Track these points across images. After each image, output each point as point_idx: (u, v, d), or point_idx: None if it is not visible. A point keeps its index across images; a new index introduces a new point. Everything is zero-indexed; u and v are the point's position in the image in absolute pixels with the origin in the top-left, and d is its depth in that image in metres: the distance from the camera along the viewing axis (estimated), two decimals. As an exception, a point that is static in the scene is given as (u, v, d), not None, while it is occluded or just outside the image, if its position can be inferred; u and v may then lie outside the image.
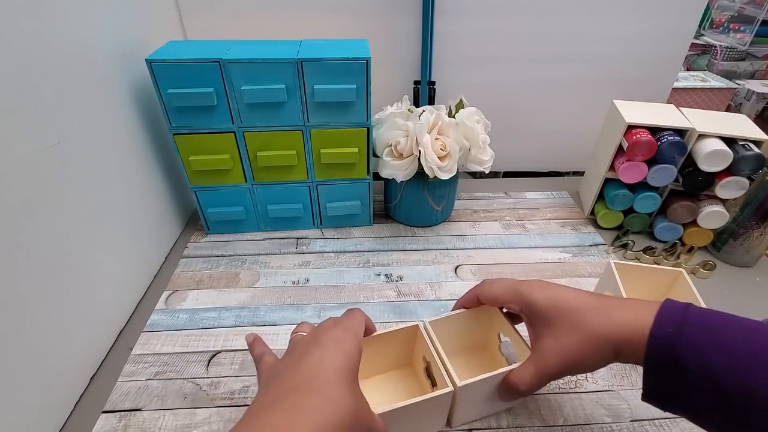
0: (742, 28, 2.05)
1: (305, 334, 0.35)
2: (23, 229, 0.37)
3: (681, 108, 0.64)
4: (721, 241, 0.63)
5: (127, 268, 0.54)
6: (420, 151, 0.57)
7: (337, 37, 0.63)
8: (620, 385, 0.46)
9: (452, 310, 0.44)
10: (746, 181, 0.58)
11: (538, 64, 0.78)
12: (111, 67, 0.51)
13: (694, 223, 0.63)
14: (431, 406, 0.37)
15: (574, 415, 0.43)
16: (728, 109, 1.80)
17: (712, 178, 0.59)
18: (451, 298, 0.46)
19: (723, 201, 0.61)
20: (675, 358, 0.29)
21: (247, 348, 0.48)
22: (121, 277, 0.52)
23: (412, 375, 0.45)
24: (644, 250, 0.63)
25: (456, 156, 0.58)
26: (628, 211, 0.67)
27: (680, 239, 0.65)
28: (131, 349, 0.49)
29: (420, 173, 0.60)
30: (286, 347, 0.36)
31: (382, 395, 0.43)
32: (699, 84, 1.73)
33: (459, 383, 0.36)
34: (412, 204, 0.66)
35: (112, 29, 0.52)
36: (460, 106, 0.64)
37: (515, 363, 0.38)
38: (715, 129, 0.58)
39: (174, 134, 0.56)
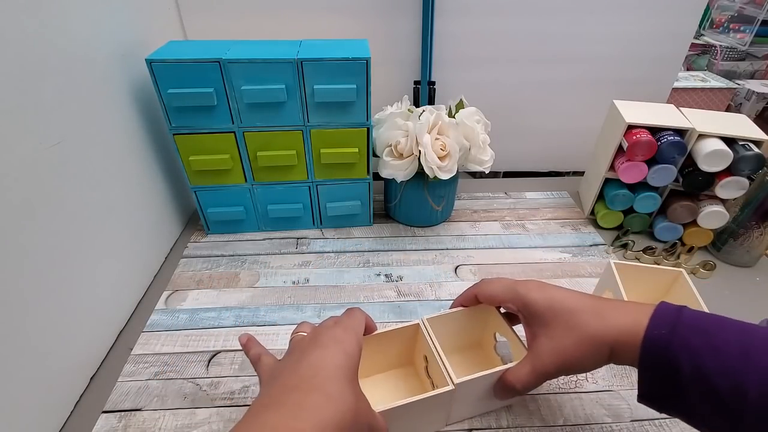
0: (742, 28, 2.05)
1: (305, 334, 0.35)
2: (23, 229, 0.37)
3: (681, 108, 0.64)
4: (721, 241, 0.63)
5: (127, 268, 0.54)
6: (420, 151, 0.57)
7: (337, 37, 0.63)
8: (620, 385, 0.46)
9: (450, 309, 0.44)
10: (746, 181, 0.58)
11: (538, 64, 0.78)
12: (111, 67, 0.51)
13: (694, 223, 0.63)
14: (431, 405, 0.37)
15: (574, 415, 0.43)
16: (728, 109, 1.80)
17: (712, 178, 0.59)
18: (451, 298, 0.46)
19: (723, 201, 0.61)
20: (669, 359, 0.29)
21: (246, 348, 0.48)
22: (121, 277, 0.52)
23: (413, 374, 0.46)
24: (644, 250, 0.63)
25: (456, 156, 0.58)
26: (628, 211, 0.67)
27: (680, 239, 0.65)
28: (131, 349, 0.49)
29: (420, 173, 0.60)
30: (286, 347, 0.36)
31: (383, 393, 0.44)
32: (699, 84, 1.73)
33: (457, 380, 0.36)
34: (412, 204, 0.66)
35: (112, 29, 0.52)
36: (460, 106, 0.64)
37: (511, 362, 0.38)
38: (715, 129, 0.58)
39: (174, 134, 0.56)
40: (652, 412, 0.33)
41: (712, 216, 0.61)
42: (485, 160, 0.62)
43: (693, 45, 1.97)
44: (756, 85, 1.90)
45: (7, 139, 0.36)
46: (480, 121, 0.62)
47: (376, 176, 0.64)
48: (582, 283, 0.58)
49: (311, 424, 0.26)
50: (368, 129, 0.59)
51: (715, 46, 2.04)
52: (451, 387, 0.36)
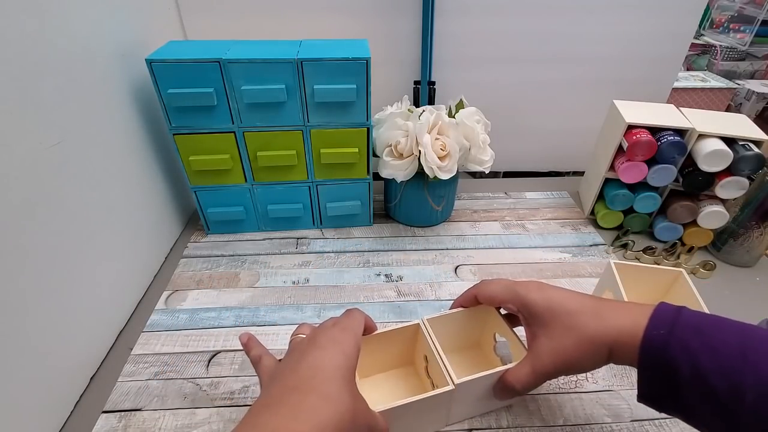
0: (742, 28, 2.05)
1: (305, 336, 0.35)
2: (23, 229, 0.37)
3: (681, 108, 0.64)
4: (721, 241, 0.63)
5: (127, 268, 0.54)
6: (420, 151, 0.57)
7: (337, 37, 0.63)
8: (620, 385, 0.46)
9: (450, 309, 0.44)
10: (746, 181, 0.58)
11: (538, 64, 0.78)
12: (111, 67, 0.51)
13: (694, 223, 0.63)
14: (431, 404, 0.37)
15: (574, 415, 0.43)
16: (728, 109, 1.80)
17: (712, 178, 0.59)
18: (451, 298, 0.46)
19: (723, 201, 0.61)
20: (667, 360, 0.29)
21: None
22: (121, 277, 0.52)
23: (413, 373, 0.46)
24: (644, 250, 0.63)
25: (456, 156, 0.58)
26: (628, 211, 0.67)
27: (680, 239, 0.65)
28: (131, 349, 0.49)
29: (420, 173, 0.60)
30: (286, 347, 0.36)
31: (383, 393, 0.44)
32: (699, 84, 1.73)
33: (457, 381, 0.36)
34: (412, 204, 0.66)
35: (112, 29, 0.52)
36: (460, 106, 0.64)
37: (511, 363, 0.38)
38: (715, 129, 0.58)
39: (174, 134, 0.56)
40: (652, 412, 0.33)
41: (712, 216, 0.61)
42: (485, 160, 0.62)
43: (693, 45, 1.97)
44: (756, 85, 1.90)
45: (7, 139, 0.36)
46: (480, 121, 0.62)
47: (376, 176, 0.64)
48: (582, 283, 0.58)
49: (310, 425, 0.26)
50: (368, 129, 0.59)
51: (715, 46, 2.04)
52: (451, 387, 0.36)
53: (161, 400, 0.43)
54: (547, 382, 0.38)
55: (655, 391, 0.31)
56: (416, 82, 0.78)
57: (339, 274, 0.59)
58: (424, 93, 0.77)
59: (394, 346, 0.43)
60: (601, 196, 0.69)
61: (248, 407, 0.42)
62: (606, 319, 0.33)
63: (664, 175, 0.61)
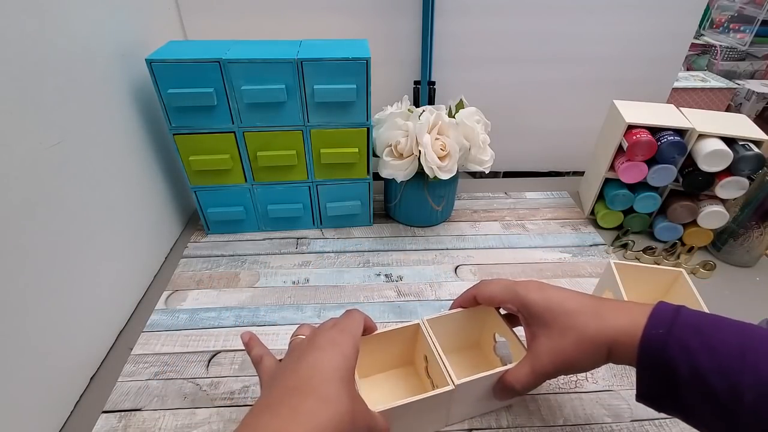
0: (742, 28, 2.05)
1: (304, 336, 0.35)
2: (23, 229, 0.37)
3: (681, 108, 0.64)
4: (721, 241, 0.63)
5: (127, 268, 0.54)
6: (420, 151, 0.57)
7: (337, 37, 0.63)
8: (620, 385, 0.46)
9: (449, 310, 0.44)
10: (746, 181, 0.58)
11: (538, 64, 0.78)
12: (111, 67, 0.51)
13: (694, 223, 0.63)
14: (431, 404, 0.37)
15: (574, 415, 0.43)
16: (728, 109, 1.80)
17: (712, 178, 0.59)
18: (451, 298, 0.46)
19: (723, 201, 0.61)
20: (666, 359, 0.29)
21: (246, 348, 0.48)
22: (121, 277, 0.52)
23: (413, 373, 0.46)
24: (644, 250, 0.63)
25: (456, 156, 0.58)
26: (628, 211, 0.67)
27: (680, 239, 0.65)
28: (131, 349, 0.49)
29: (420, 173, 0.60)
30: (285, 347, 0.36)
31: (383, 393, 0.44)
32: (699, 84, 1.73)
33: (457, 381, 0.36)
34: (412, 204, 0.66)
35: (112, 29, 0.52)
36: (460, 106, 0.64)
37: (510, 363, 0.38)
38: (715, 129, 0.58)
39: (174, 134, 0.56)
40: (652, 412, 0.33)
41: (712, 216, 0.61)
42: (485, 160, 0.62)
43: (693, 45, 1.97)
44: (756, 85, 1.90)
45: (7, 139, 0.36)
46: (480, 121, 0.62)
47: (376, 176, 0.64)
48: (582, 283, 0.58)
49: (309, 427, 0.27)
50: (368, 129, 0.59)
51: (715, 46, 2.04)
52: (451, 387, 0.36)
53: (161, 400, 0.43)
54: (547, 382, 0.38)
55: (653, 391, 0.31)
56: (416, 82, 0.78)
57: (339, 274, 0.59)
58: (424, 93, 0.77)
59: (394, 346, 0.43)
60: (601, 196, 0.69)
61: (248, 407, 0.43)
62: (605, 318, 0.33)
63: (664, 175, 0.61)
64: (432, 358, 0.39)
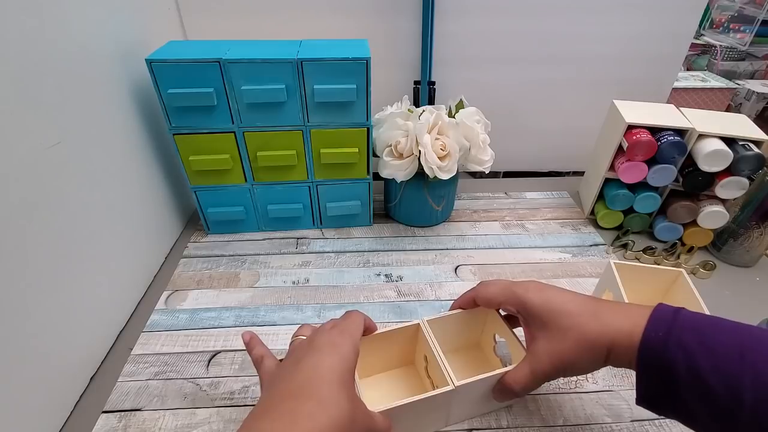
0: (742, 28, 2.05)
1: (304, 337, 0.35)
2: (23, 229, 0.37)
3: (681, 108, 0.64)
4: (721, 241, 0.63)
5: (127, 268, 0.54)
6: (420, 151, 0.57)
7: (337, 37, 0.63)
8: (620, 385, 0.46)
9: (449, 311, 0.44)
10: (746, 181, 0.58)
11: (538, 64, 0.78)
12: (111, 67, 0.51)
13: (694, 223, 0.63)
14: (431, 405, 0.37)
15: (574, 415, 0.43)
16: (728, 109, 1.80)
17: (712, 178, 0.59)
18: (451, 298, 0.46)
19: (723, 201, 0.61)
20: (665, 361, 0.29)
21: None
22: (121, 277, 0.52)
23: (413, 373, 0.46)
24: (644, 250, 0.63)
25: (456, 156, 0.58)
26: (628, 211, 0.67)
27: (680, 239, 0.65)
28: (131, 349, 0.49)
29: (420, 173, 0.60)
30: (286, 347, 0.36)
31: (383, 393, 0.44)
32: (699, 84, 1.73)
33: (457, 383, 0.36)
34: (412, 204, 0.66)
35: (112, 29, 0.52)
36: (460, 106, 0.64)
37: (510, 363, 0.38)
38: (715, 129, 0.58)
39: (174, 134, 0.56)
40: (652, 413, 0.33)
41: (712, 216, 0.61)
42: (485, 160, 0.62)
43: (693, 45, 1.97)
44: (756, 85, 1.90)
45: (7, 139, 0.36)
46: (480, 121, 0.62)
47: (376, 176, 0.64)
48: (582, 283, 0.58)
49: (307, 431, 0.27)
50: (368, 129, 0.59)
51: (715, 46, 2.04)
52: (451, 387, 0.36)
53: (161, 400, 0.43)
54: (547, 382, 0.38)
55: (654, 393, 0.31)
56: (416, 82, 0.78)
57: (339, 274, 0.59)
58: (424, 93, 0.77)
59: (394, 346, 0.43)
60: (601, 196, 0.69)
61: (248, 407, 0.43)
62: (605, 321, 0.33)
63: (664, 175, 0.61)
64: (432, 359, 0.39)
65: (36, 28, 0.39)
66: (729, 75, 1.95)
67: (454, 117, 0.61)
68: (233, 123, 0.56)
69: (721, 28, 2.14)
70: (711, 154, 0.57)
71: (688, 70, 1.99)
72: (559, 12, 0.73)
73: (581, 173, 0.77)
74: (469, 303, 0.42)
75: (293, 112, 0.56)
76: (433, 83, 0.77)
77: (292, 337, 0.36)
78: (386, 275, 0.59)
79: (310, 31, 0.69)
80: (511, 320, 0.42)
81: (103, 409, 0.43)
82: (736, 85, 1.79)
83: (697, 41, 2.08)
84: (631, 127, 0.61)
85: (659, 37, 0.77)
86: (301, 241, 0.66)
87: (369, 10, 0.71)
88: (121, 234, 0.52)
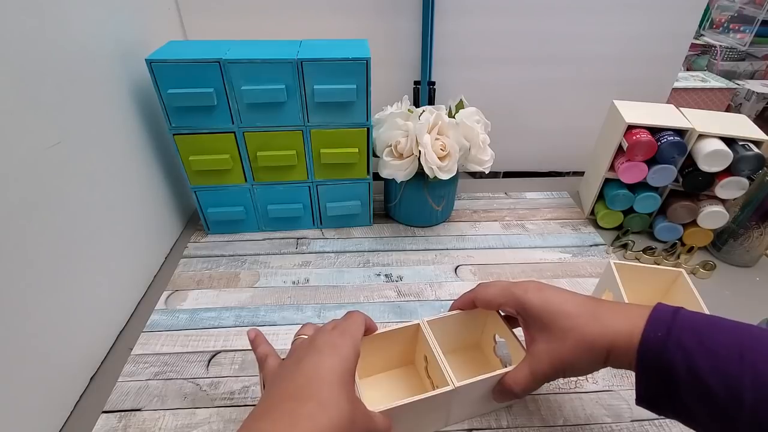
0: (742, 28, 2.05)
1: (306, 337, 0.35)
2: (23, 229, 0.37)
3: (681, 108, 0.64)
4: (721, 241, 0.63)
5: (127, 268, 0.54)
6: (420, 151, 0.57)
7: (337, 37, 0.63)
8: (620, 385, 0.46)
9: (448, 311, 0.44)
10: (746, 181, 0.58)
11: (538, 64, 0.78)
12: (111, 67, 0.51)
13: (694, 223, 0.63)
14: (431, 405, 0.37)
15: (574, 415, 0.43)
16: (728, 109, 1.80)
17: (712, 178, 0.59)
18: (451, 299, 0.46)
19: (723, 201, 0.61)
20: (664, 363, 0.29)
21: (247, 348, 0.48)
22: (121, 277, 0.52)
23: (413, 373, 0.46)
24: (644, 250, 0.63)
25: (456, 156, 0.58)
26: (628, 211, 0.67)
27: (680, 239, 0.65)
28: (131, 349, 0.49)
29: (420, 173, 0.60)
30: (285, 348, 0.36)
31: (383, 393, 0.44)
32: (699, 84, 1.73)
33: (457, 383, 0.36)
34: (412, 204, 0.66)
35: (112, 29, 0.52)
36: (460, 106, 0.64)
37: (510, 364, 0.38)
38: (715, 129, 0.58)
39: (174, 134, 0.56)
40: (652, 413, 0.33)
41: (712, 216, 0.61)
42: (485, 160, 0.62)
43: (693, 45, 1.97)
44: (756, 85, 1.90)
45: (7, 139, 0.36)
46: (480, 121, 0.62)
47: (376, 176, 0.64)
48: (582, 283, 0.58)
49: None
50: (368, 129, 0.59)
51: (715, 46, 2.04)
52: (451, 387, 0.36)
53: (161, 400, 0.43)
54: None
55: (654, 394, 0.31)
56: (416, 82, 0.78)
57: (339, 274, 0.59)
58: (424, 93, 0.77)
59: (394, 346, 0.43)
60: (601, 196, 0.69)
61: (248, 407, 0.43)
62: (604, 321, 0.33)
63: (664, 175, 0.61)
64: (432, 359, 0.39)
65: (36, 28, 0.39)
66: (729, 75, 1.95)
67: (454, 117, 0.61)
68: (233, 123, 0.56)
69: (721, 28, 2.14)
70: (711, 154, 0.57)
71: (688, 70, 1.99)
72: (559, 12, 0.73)
73: (581, 173, 0.77)
74: (469, 304, 0.42)
75: (293, 112, 0.56)
76: (433, 83, 0.77)
77: (295, 336, 0.36)
78: (386, 275, 0.59)
79: (310, 31, 0.69)
80: (511, 320, 0.42)
81: (103, 409, 0.43)
82: (736, 85, 1.79)
83: (697, 41, 2.08)
84: (631, 127, 0.61)
85: (659, 37, 0.77)
86: (301, 241, 0.66)
87: (369, 10, 0.71)
88: (121, 234, 0.52)
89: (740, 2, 2.08)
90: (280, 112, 0.56)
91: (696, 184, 0.60)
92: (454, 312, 0.43)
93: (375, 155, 0.63)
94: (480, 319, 0.45)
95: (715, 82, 1.77)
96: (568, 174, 0.93)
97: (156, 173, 0.60)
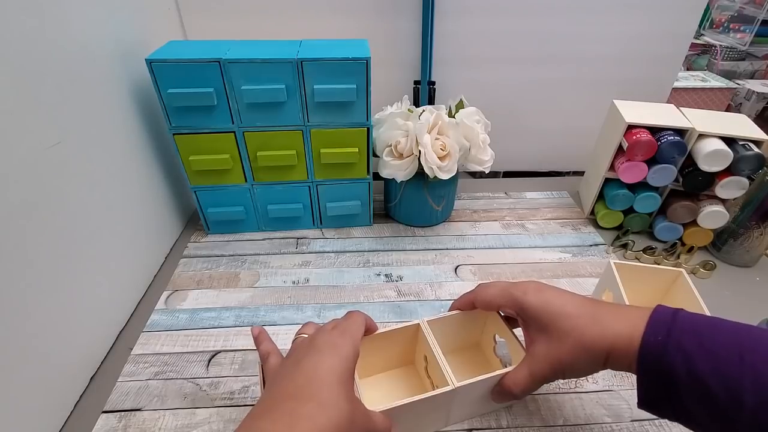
0: (742, 28, 2.05)
1: (307, 336, 0.35)
2: (23, 229, 0.37)
3: (681, 108, 0.64)
4: (721, 241, 0.63)
5: (127, 268, 0.54)
6: (420, 151, 0.57)
7: (337, 37, 0.63)
8: (620, 385, 0.46)
9: (448, 311, 0.44)
10: (746, 181, 0.58)
11: (538, 64, 0.78)
12: (111, 67, 0.51)
13: (694, 223, 0.63)
14: (431, 405, 0.37)
15: (574, 415, 0.43)
16: (728, 109, 1.80)
17: (712, 178, 0.59)
18: (451, 298, 0.46)
19: (723, 201, 0.61)
20: (665, 365, 0.29)
21: (247, 348, 0.48)
22: (121, 277, 0.52)
23: (413, 373, 0.46)
24: (644, 250, 0.63)
25: (456, 156, 0.58)
26: (628, 211, 0.67)
27: (680, 239, 0.65)
28: (131, 349, 0.49)
29: (420, 173, 0.60)
30: (285, 347, 0.36)
31: (383, 393, 0.44)
32: (699, 84, 1.73)
33: (457, 383, 0.36)
34: (412, 204, 0.66)
35: (112, 29, 0.52)
36: (460, 106, 0.64)
37: (510, 364, 0.38)
38: (715, 129, 0.58)
39: (174, 134, 0.56)
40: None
41: (712, 216, 0.61)
42: (485, 160, 0.62)
43: (693, 45, 1.97)
44: (756, 85, 1.90)
45: (7, 139, 0.36)
46: (480, 121, 0.62)
47: (376, 176, 0.64)
48: (582, 283, 0.58)
49: None
50: (368, 129, 0.59)
51: (715, 46, 2.04)
52: (451, 387, 0.36)
53: (161, 400, 0.43)
54: (546, 383, 0.38)
55: (655, 397, 0.31)
56: (416, 82, 0.78)
57: (339, 274, 0.59)
58: (424, 93, 0.77)
59: (394, 346, 0.43)
60: (601, 196, 0.69)
61: (248, 407, 0.43)
62: (603, 324, 0.33)
63: (664, 175, 0.61)
64: (432, 359, 0.39)
65: (36, 28, 0.39)
66: (729, 75, 1.95)
67: (454, 117, 0.61)
68: (233, 123, 0.56)
69: (721, 28, 2.15)
70: (711, 154, 0.57)
71: (688, 70, 1.99)
72: (559, 12, 0.73)
73: (581, 173, 0.77)
74: (468, 305, 0.42)
75: (293, 112, 0.56)
76: (433, 83, 0.77)
77: (296, 334, 0.36)
78: (386, 275, 0.59)
79: (310, 31, 0.69)
80: (511, 321, 0.42)
81: (103, 409, 0.43)
82: (736, 85, 1.79)
83: (697, 41, 2.08)
84: (631, 127, 0.61)
85: (659, 37, 0.77)
86: (301, 241, 0.66)
87: (369, 10, 0.71)
88: (121, 234, 0.52)
89: (740, 2, 2.08)
90: (280, 111, 0.56)
91: (696, 184, 0.60)
92: (454, 312, 0.43)
93: (375, 155, 0.63)
94: (480, 320, 0.45)
95: (715, 81, 1.77)
96: (568, 174, 0.93)
97: (156, 173, 0.60)
